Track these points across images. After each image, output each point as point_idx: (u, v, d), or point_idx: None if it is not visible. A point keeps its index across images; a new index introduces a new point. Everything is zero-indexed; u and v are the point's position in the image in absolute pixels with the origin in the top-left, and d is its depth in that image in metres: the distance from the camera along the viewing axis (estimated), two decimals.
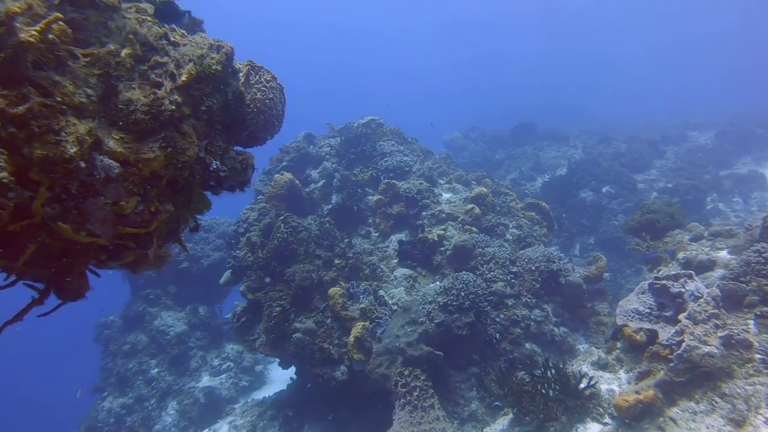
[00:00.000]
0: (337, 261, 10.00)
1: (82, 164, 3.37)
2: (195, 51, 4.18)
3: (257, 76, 4.94)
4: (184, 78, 3.96)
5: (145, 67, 3.87)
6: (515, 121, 26.42)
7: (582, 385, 5.67)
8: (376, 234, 11.31)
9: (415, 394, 8.00)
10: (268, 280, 9.90)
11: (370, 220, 11.57)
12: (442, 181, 12.45)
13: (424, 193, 11.22)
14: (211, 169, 4.40)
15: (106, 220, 3.64)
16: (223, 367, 14.52)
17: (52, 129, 3.27)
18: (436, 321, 8.61)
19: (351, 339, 8.68)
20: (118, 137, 3.62)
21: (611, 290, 13.35)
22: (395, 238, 11.00)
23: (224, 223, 16.45)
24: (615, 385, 5.83)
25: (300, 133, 13.86)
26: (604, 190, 17.24)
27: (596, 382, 5.80)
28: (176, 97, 3.87)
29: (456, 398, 8.53)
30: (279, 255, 10.17)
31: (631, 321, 6.00)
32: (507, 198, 12.00)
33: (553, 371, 6.02)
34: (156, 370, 14.44)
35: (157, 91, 3.81)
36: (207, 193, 4.74)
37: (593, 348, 8.78)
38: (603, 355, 6.41)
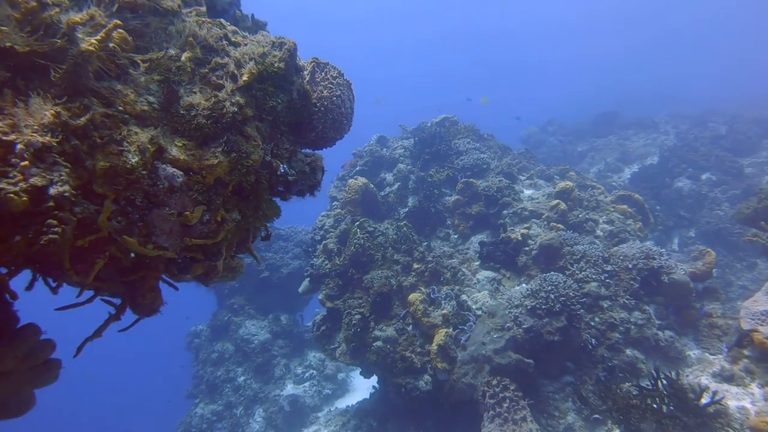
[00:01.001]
0: (416, 265, 9.63)
1: (145, 173, 3.23)
2: (256, 49, 3.97)
3: (323, 73, 4.67)
4: (245, 78, 3.75)
5: (206, 70, 3.69)
6: (596, 111, 24.90)
7: (704, 401, 4.91)
8: (456, 236, 10.82)
9: (505, 405, 7.44)
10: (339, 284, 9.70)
11: (449, 222, 11.10)
12: (522, 177, 11.76)
13: (504, 190, 10.60)
14: (279, 173, 4.17)
15: (172, 231, 3.48)
16: (306, 375, 14.56)
17: (114, 139, 3.13)
18: (525, 326, 8.00)
19: (433, 347, 8.27)
20: (180, 144, 3.45)
21: (721, 288, 12.08)
22: (476, 239, 10.47)
23: (302, 231, 16.59)
24: (747, 401, 5.02)
25: (372, 136, 13.65)
26: (703, 177, 15.68)
27: (722, 398, 5.02)
28: (238, 98, 3.66)
29: (550, 410, 7.86)
30: (356, 261, 9.96)
31: (762, 325, 5.16)
32: (594, 191, 11.11)
33: (664, 382, 5.28)
34: (243, 377, 14.72)
35: (218, 93, 3.62)
36: (276, 199, 4.56)
37: (707, 354, 7.85)
38: (726, 365, 5.57)
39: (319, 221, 11.51)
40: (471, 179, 11.09)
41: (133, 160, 3.11)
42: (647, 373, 7.72)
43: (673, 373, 5.61)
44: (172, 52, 3.62)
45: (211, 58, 3.75)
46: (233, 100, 3.64)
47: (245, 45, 3.95)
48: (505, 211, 10.36)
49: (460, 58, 73.06)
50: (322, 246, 10.63)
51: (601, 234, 9.88)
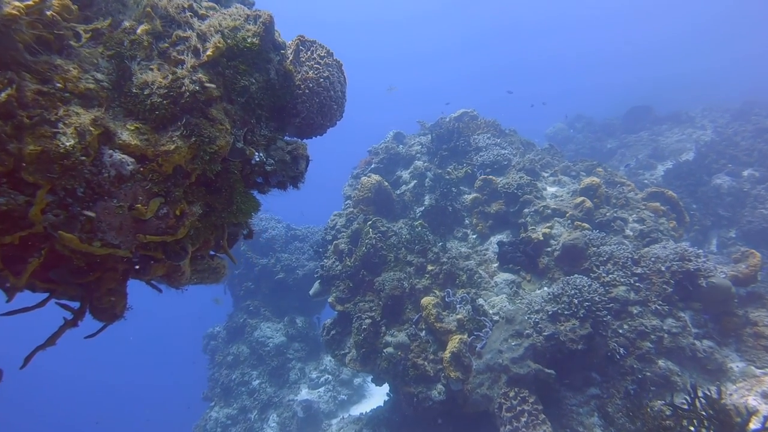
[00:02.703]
0: (430, 267, 9.08)
1: (85, 160, 2.80)
2: (226, 22, 3.51)
3: (309, 52, 4.20)
4: (209, 53, 3.29)
5: (166, 44, 3.24)
6: (627, 106, 23.77)
7: (752, 427, 4.25)
8: (474, 236, 10.24)
9: (523, 419, 6.84)
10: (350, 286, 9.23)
11: (467, 221, 10.52)
12: (545, 174, 11.09)
13: (525, 187, 9.95)
14: (253, 162, 3.71)
15: (123, 227, 3.03)
16: (321, 379, 14.14)
17: (46, 120, 2.69)
18: (545, 333, 7.38)
19: (446, 354, 7.71)
20: (133, 128, 3.00)
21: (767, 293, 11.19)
22: (495, 239, 9.87)
23: (318, 232, 16.20)
24: None
25: (389, 132, 13.15)
26: (745, 173, 14.64)
27: None
28: (200, 75, 3.20)
29: (573, 424, 7.22)
30: (368, 262, 9.47)
31: None
32: (624, 188, 10.36)
33: (703, 401, 4.63)
34: (257, 381, 14.40)
35: (177, 70, 3.17)
36: (257, 192, 4.11)
37: (753, 368, 7.13)
38: None
39: (331, 221, 11.07)
40: (490, 176, 10.48)
41: (68, 144, 2.67)
42: (682, 387, 7.03)
43: (714, 390, 4.94)
44: (127, 24, 3.18)
45: (172, 32, 3.32)
46: (194, 78, 3.18)
47: (214, 18, 3.51)
48: (526, 210, 9.72)
49: (492, 55, 71.63)
50: (333, 246, 10.18)
51: (631, 234, 9.15)
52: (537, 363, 7.30)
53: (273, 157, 3.85)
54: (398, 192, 11.51)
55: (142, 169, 2.98)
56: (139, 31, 3.15)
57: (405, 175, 11.89)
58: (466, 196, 10.71)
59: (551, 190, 10.46)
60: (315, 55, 4.16)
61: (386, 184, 10.94)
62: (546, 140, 24.10)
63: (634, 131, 21.46)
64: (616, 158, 19.91)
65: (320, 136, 4.50)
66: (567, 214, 9.28)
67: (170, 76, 3.08)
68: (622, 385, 7.27)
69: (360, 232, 9.92)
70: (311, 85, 4.08)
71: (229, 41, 3.44)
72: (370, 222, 9.90)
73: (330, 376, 14.18)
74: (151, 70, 3.10)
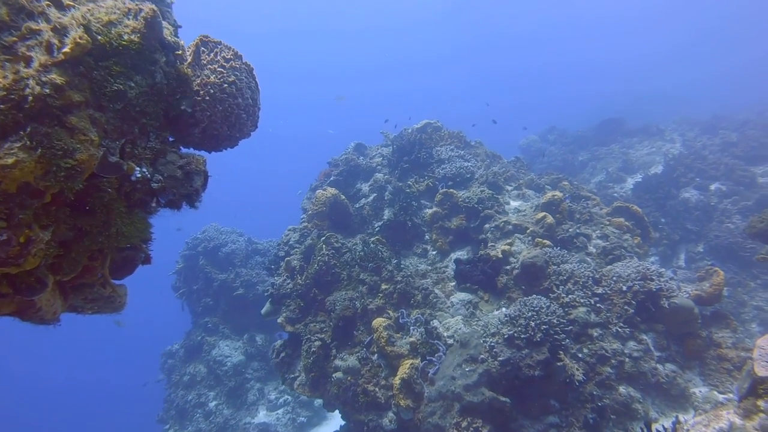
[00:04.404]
0: (384, 286, 8.60)
1: None
2: (99, 16, 3.01)
3: (212, 54, 3.69)
4: (67, 49, 2.75)
5: (13, 38, 2.69)
6: (600, 119, 23.70)
7: None
8: (434, 252, 9.78)
9: None
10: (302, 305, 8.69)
11: (427, 237, 10.07)
12: (509, 188, 10.71)
13: (487, 201, 9.56)
14: (133, 178, 3.20)
15: None
16: (281, 401, 13.50)
17: None
18: (501, 359, 6.93)
19: (396, 381, 7.21)
20: None
21: (732, 311, 10.92)
22: (455, 255, 9.42)
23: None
24: None
25: (350, 143, 12.70)
26: (712, 187, 14.50)
27: None
28: (53, 76, 2.67)
29: None
30: (319, 280, 8.96)
31: None
32: (588, 203, 10.04)
33: None
34: (214, 402, 13.71)
35: (22, 69, 2.66)
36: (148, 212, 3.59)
37: (716, 393, 6.78)
38: (737, 420, 4.47)
39: (285, 236, 10.53)
40: (451, 189, 10.07)
41: None
42: (643, 415, 6.63)
43: (670, 424, 4.52)
44: None
45: (22, 23, 2.81)
46: (44, 79, 2.66)
47: (81, 9, 3.01)
48: (487, 225, 9.32)
49: (468, 67, 71.81)
50: (284, 263, 9.64)
51: (594, 251, 8.80)
52: (492, 390, 6.84)
53: (161, 172, 3.34)
54: (357, 206, 11.03)
55: None
56: None
57: (365, 188, 11.42)
58: (427, 210, 10.28)
59: (514, 204, 10.08)
60: (219, 57, 3.67)
61: (343, 197, 10.45)
62: (520, 152, 23.92)
63: (605, 144, 21.38)
64: (588, 171, 19.75)
65: (231, 148, 4.01)
66: (528, 230, 8.89)
67: (11, 76, 2.56)
68: (581, 414, 6.84)
69: (314, 248, 9.40)
70: (213, 91, 3.58)
71: (100, 38, 2.93)
72: (323, 237, 9.39)
73: (289, 397, 13.54)
74: None
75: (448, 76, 73.46)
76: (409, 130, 12.35)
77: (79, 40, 2.80)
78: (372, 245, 9.09)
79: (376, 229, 10.26)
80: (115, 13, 3.10)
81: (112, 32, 3.01)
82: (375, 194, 11.03)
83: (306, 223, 10.36)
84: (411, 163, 11.25)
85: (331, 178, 11.73)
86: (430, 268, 9.34)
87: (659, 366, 7.14)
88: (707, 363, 7.32)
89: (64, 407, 37.58)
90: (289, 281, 9.30)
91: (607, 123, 22.72)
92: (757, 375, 4.33)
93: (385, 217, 10.44)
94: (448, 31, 68.51)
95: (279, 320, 9.00)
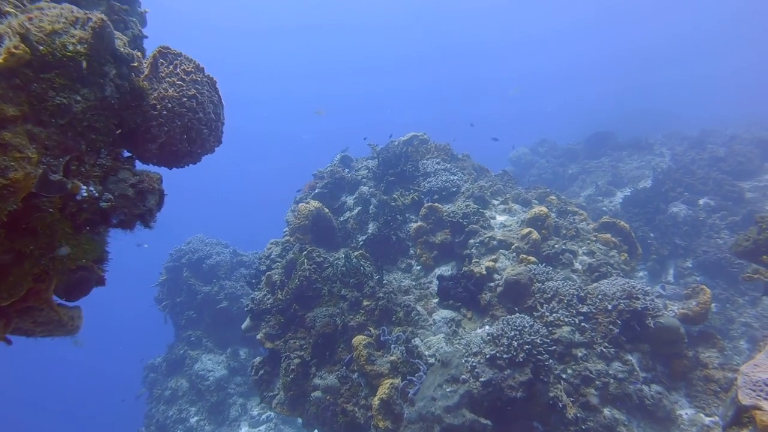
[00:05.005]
0: (365, 302, 8.41)
1: None
2: (42, 25, 2.84)
3: (171, 67, 3.52)
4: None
5: None
6: (590, 132, 23.70)
7: None
8: (419, 267, 9.62)
9: None
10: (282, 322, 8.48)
11: (412, 251, 9.91)
12: (495, 202, 10.57)
13: (471, 216, 9.41)
14: (79, 198, 3.02)
15: None
16: (263, 417, 13.22)
17: None
18: (482, 379, 6.74)
19: (375, 401, 7.01)
20: None
21: (720, 328, 10.81)
22: (440, 271, 9.26)
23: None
24: None
25: (336, 155, 12.54)
26: (701, 202, 14.44)
27: None
28: None
29: None
30: (300, 296, 8.76)
31: (767, 400, 3.92)
32: (575, 218, 9.92)
33: None
34: (195, 418, 13.41)
35: None
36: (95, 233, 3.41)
37: (702, 415, 6.64)
38: None
39: (267, 249, 10.32)
40: (436, 203, 9.92)
41: None
42: None
43: None
44: None
45: None
46: None
47: (20, 17, 2.84)
48: (471, 240, 9.16)
49: (454, 72, 71.85)
50: (265, 277, 9.44)
51: (580, 268, 8.65)
52: (473, 412, 6.64)
53: (112, 191, 3.16)
54: (342, 219, 10.85)
55: None
56: None
57: (350, 201, 11.25)
58: (412, 224, 10.12)
59: (500, 219, 9.94)
60: (179, 70, 3.51)
61: (326, 210, 10.28)
62: (510, 165, 23.87)
63: (595, 157, 21.35)
64: (577, 184, 19.69)
65: (194, 164, 3.84)
66: (513, 246, 8.75)
67: None
68: None
69: (295, 262, 9.21)
70: (171, 105, 3.42)
71: (41, 48, 2.76)
72: (305, 252, 9.20)
73: (272, 413, 13.26)
74: None
75: (421, 78, 73.66)
76: (396, 143, 12.23)
77: (14, 50, 2.63)
78: (354, 260, 8.90)
79: (360, 243, 10.10)
80: (60, 22, 2.93)
81: (56, 42, 2.84)
82: (359, 207, 10.87)
83: (288, 237, 10.17)
84: (397, 176, 11.11)
85: (316, 191, 11.56)
86: (413, 283, 9.17)
87: (644, 387, 6.97)
88: (693, 384, 7.17)
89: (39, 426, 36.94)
90: (269, 296, 9.10)
91: (597, 136, 22.71)
92: (741, 403, 4.18)
93: (369, 231, 10.27)
94: (420, 34, 69.07)
95: (258, 336, 8.79)
